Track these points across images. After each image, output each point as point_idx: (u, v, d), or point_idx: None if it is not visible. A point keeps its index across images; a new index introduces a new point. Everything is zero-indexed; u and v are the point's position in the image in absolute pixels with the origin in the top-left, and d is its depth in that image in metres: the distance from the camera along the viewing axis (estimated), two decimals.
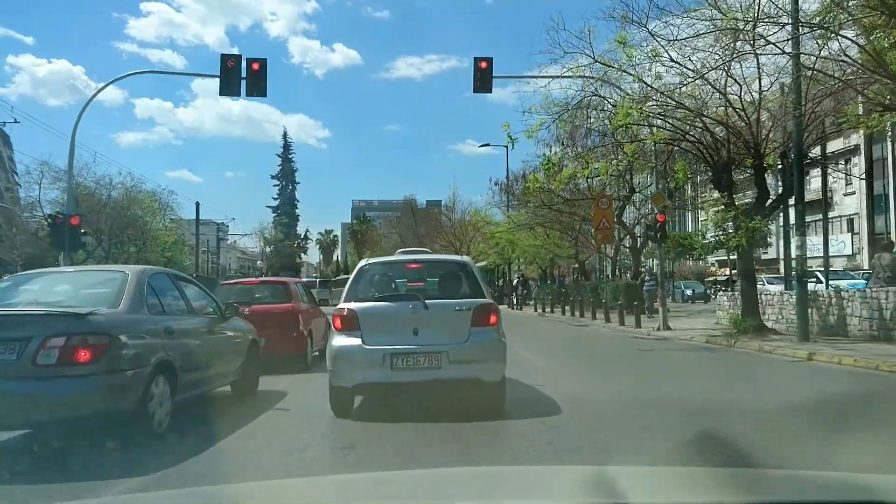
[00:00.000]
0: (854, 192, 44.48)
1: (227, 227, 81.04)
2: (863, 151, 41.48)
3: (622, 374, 10.72)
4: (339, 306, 7.27)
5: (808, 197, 17.94)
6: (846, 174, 34.55)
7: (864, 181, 43.32)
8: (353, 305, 7.13)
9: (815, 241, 27.60)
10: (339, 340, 7.05)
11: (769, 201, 15.98)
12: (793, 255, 14.46)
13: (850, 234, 43.01)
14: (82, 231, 18.99)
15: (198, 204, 50.88)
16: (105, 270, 7.13)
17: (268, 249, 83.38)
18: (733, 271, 47.66)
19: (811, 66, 13.02)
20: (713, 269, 59.71)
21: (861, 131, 17.33)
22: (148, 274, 6.66)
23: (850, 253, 42.56)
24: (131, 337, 5.84)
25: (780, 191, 16.27)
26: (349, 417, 7.05)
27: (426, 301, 7.07)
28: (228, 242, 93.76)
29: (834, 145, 33.85)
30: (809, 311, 14.36)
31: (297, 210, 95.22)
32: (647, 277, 28.55)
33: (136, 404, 5.76)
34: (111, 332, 5.56)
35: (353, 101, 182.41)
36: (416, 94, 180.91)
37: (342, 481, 3.13)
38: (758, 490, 2.13)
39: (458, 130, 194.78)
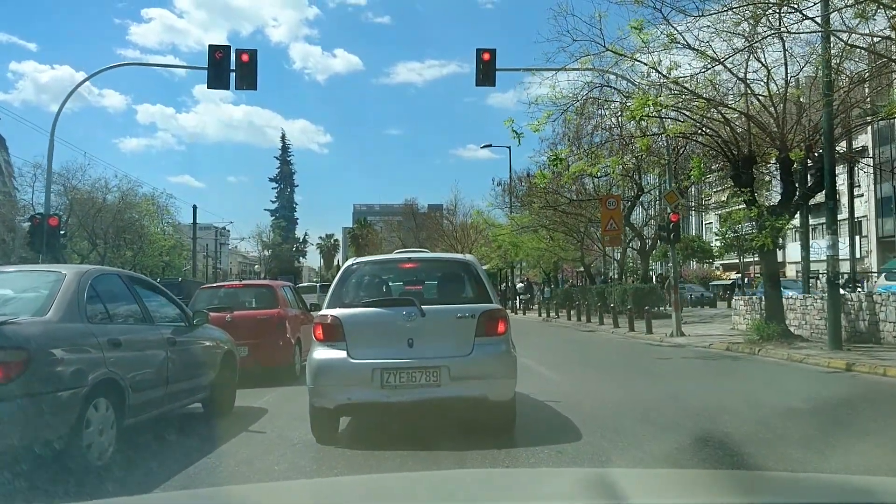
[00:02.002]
0: (863, 195, 43.52)
1: (228, 231, 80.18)
2: (871, 152, 40.52)
3: (645, 387, 9.59)
4: (321, 313, 6.21)
5: (818, 198, 16.88)
6: (878, 167, 33.19)
7: (873, 182, 42.40)
8: (336, 312, 6.06)
9: (821, 244, 26.64)
10: (321, 353, 5.99)
11: (795, 198, 14.85)
12: (825, 256, 13.30)
13: (857, 236, 42.00)
14: (62, 232, 17.94)
15: (195, 207, 49.82)
16: (40, 271, 6.08)
17: (266, 253, 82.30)
18: (735, 274, 46.83)
19: (846, 41, 11.91)
20: (717, 272, 58.78)
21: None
22: (91, 275, 5.59)
23: (859, 256, 41.58)
24: (61, 351, 4.78)
25: (806, 186, 15.10)
26: (333, 444, 5.99)
27: (423, 307, 6.00)
28: (230, 247, 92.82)
29: (840, 147, 32.90)
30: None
31: (295, 213, 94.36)
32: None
33: (68, 433, 4.71)
34: (31, 346, 4.50)
35: (355, 106, 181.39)
36: (416, 98, 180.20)
37: (343, 483, 3.16)
38: (757, 492, 2.08)
39: (459, 135, 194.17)
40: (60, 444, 4.67)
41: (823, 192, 13.41)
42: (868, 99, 14.86)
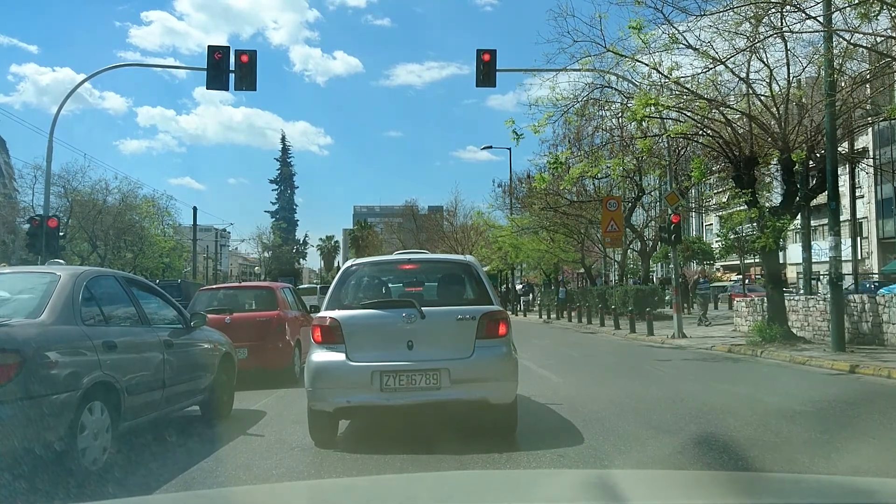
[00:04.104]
0: (863, 196, 43.41)
1: (229, 233, 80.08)
2: (872, 153, 40.44)
3: (646, 389, 9.49)
4: (319, 315, 6.14)
5: (819, 199, 16.81)
6: (879, 168, 33.23)
7: (874, 184, 42.34)
8: (335, 314, 5.99)
9: (822, 246, 26.61)
10: (320, 355, 5.91)
11: (796, 199, 14.77)
12: (827, 257, 13.21)
13: (858, 238, 41.87)
14: (61, 234, 17.86)
15: (195, 209, 49.64)
16: (35, 273, 5.99)
17: (266, 255, 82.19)
18: (737, 276, 46.75)
19: (849, 41, 11.85)
20: (718, 273, 58.67)
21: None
22: (86, 277, 5.51)
23: (860, 257, 41.47)
24: (56, 354, 4.70)
25: (808, 187, 15.03)
26: (332, 448, 5.92)
27: (423, 308, 5.92)
28: (230, 249, 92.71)
29: (841, 147, 32.84)
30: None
31: (295, 215, 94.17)
32: (700, 279, 26.81)
33: (62, 437, 4.63)
34: (24, 349, 4.42)
35: (355, 108, 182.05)
36: (416, 100, 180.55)
37: (341, 484, 3.17)
38: (759, 493, 2.06)
39: (459, 137, 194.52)
40: (55, 448, 4.58)
41: (825, 193, 13.35)
42: (870, 99, 14.79)
